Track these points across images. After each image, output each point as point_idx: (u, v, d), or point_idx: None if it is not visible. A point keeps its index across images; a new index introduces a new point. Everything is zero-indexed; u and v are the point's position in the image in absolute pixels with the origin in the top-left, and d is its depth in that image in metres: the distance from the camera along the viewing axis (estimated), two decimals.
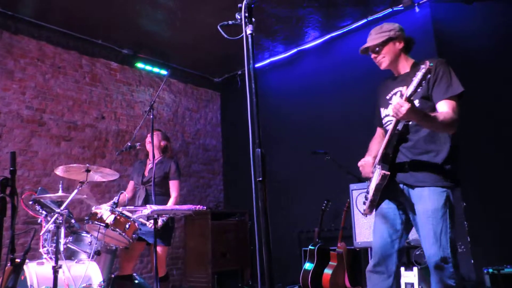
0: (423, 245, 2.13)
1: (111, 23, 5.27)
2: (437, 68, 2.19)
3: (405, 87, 1.95)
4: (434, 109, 2.13)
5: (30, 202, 3.31)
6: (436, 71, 2.18)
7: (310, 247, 4.76)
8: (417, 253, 3.11)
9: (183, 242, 6.21)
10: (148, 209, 2.84)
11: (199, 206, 2.96)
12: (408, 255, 3.24)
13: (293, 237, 5.64)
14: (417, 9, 4.92)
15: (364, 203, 2.34)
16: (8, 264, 2.43)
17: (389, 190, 2.21)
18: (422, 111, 2.00)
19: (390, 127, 2.15)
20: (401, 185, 2.21)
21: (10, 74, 4.87)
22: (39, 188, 3.64)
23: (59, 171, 3.20)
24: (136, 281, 4.08)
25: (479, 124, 4.43)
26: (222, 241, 5.89)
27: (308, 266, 4.67)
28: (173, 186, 3.78)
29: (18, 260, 2.38)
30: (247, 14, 1.63)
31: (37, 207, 3.28)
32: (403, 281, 3.22)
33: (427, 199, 2.10)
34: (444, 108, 2.09)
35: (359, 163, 2.36)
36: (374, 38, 2.33)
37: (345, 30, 5.44)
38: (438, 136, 2.17)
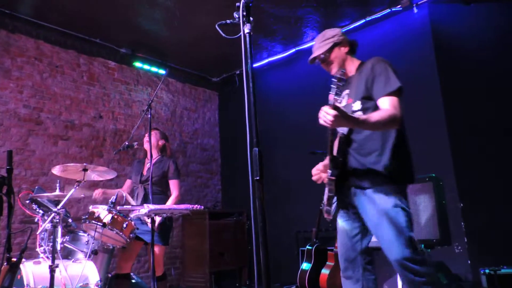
0: (382, 246, 2.10)
1: (109, 22, 5.26)
2: (374, 66, 2.18)
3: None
4: (377, 108, 2.11)
5: (27, 201, 3.30)
6: (374, 69, 2.17)
7: (307, 247, 4.76)
8: None
9: (181, 241, 6.21)
10: (145, 208, 2.84)
11: (196, 205, 2.96)
12: None
13: (290, 237, 5.64)
14: (415, 10, 4.93)
15: (324, 208, 2.34)
16: (5, 263, 2.42)
17: (344, 195, 2.22)
18: (350, 116, 1.94)
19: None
20: (353, 188, 2.19)
21: (7, 73, 4.86)
22: (36, 187, 3.63)
23: (56, 170, 3.19)
24: (134, 281, 4.08)
25: (477, 125, 4.45)
26: (220, 241, 5.89)
27: (305, 266, 4.67)
28: (174, 186, 3.77)
29: (14, 259, 2.37)
30: (245, 13, 1.63)
31: (34, 206, 3.28)
32: (400, 281, 3.22)
33: (377, 200, 2.08)
34: (383, 105, 2.08)
35: (313, 172, 2.33)
36: (319, 46, 2.36)
37: (343, 31, 5.38)
38: (380, 134, 2.14)
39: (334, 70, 2.35)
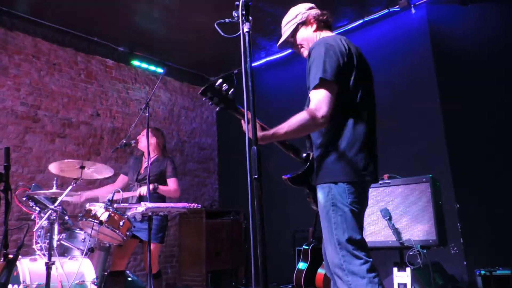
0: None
1: (108, 20, 5.25)
2: (310, 52, 1.93)
3: None
4: None
5: (24, 198, 3.29)
6: (310, 56, 1.93)
7: (304, 246, 4.77)
8: (410, 253, 3.12)
9: (177, 240, 6.21)
10: (142, 207, 2.84)
11: (193, 204, 2.96)
12: (401, 255, 3.26)
13: (287, 236, 5.65)
14: (413, 10, 4.95)
15: None
16: (1, 260, 2.42)
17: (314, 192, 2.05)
18: (260, 135, 1.78)
19: None
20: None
21: (4, 70, 4.84)
22: (33, 184, 3.62)
23: (53, 168, 3.19)
24: (129, 279, 4.08)
25: (474, 125, 4.46)
26: (216, 240, 5.89)
27: (302, 265, 4.68)
28: (172, 183, 3.77)
29: (11, 256, 2.37)
30: (244, 12, 1.63)
31: (31, 203, 3.27)
32: (396, 281, 3.23)
33: (319, 198, 1.94)
34: (310, 103, 1.86)
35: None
36: (284, 31, 2.13)
37: (341, 31, 5.46)
38: (325, 129, 1.93)
39: (306, 53, 2.09)
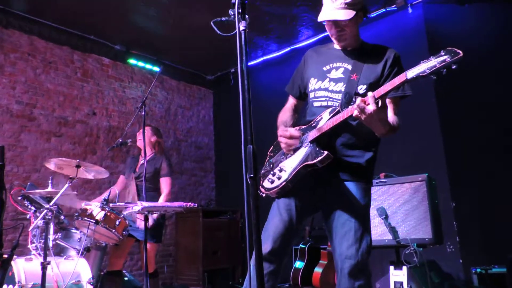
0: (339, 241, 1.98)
1: (104, 18, 5.23)
2: (397, 59, 2.03)
3: (354, 74, 1.88)
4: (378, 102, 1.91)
5: (19, 198, 3.27)
6: (397, 62, 2.02)
7: (300, 245, 4.77)
8: (407, 252, 3.13)
9: (174, 239, 6.19)
10: (138, 206, 2.83)
11: (190, 203, 2.95)
12: (398, 254, 3.26)
13: None
14: (410, 10, 4.95)
15: (272, 181, 2.00)
16: None
17: (317, 183, 2.00)
18: (386, 120, 1.84)
19: (329, 112, 1.94)
20: (334, 180, 2.00)
21: (0, 68, 4.81)
22: (28, 183, 3.60)
23: (51, 164, 3.17)
24: (126, 278, 4.07)
25: (470, 124, 4.47)
26: (213, 239, 5.88)
27: (298, 264, 4.68)
28: (165, 183, 3.76)
29: (5, 255, 2.36)
30: (240, 10, 1.62)
31: (26, 203, 3.25)
32: (392, 280, 3.23)
33: (356, 195, 1.98)
34: (395, 108, 1.98)
35: (286, 133, 1.99)
36: (342, 10, 1.95)
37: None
38: (367, 131, 1.92)
39: (347, 42, 2.08)
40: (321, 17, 1.99)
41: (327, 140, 1.94)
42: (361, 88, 1.97)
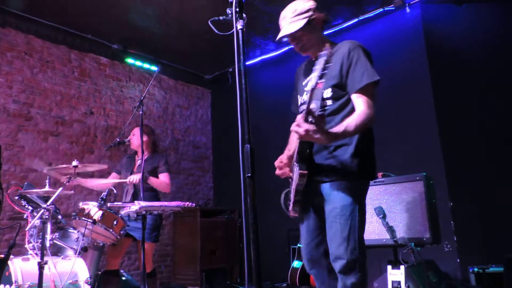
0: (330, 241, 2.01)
1: (101, 17, 5.21)
2: (351, 52, 1.96)
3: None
4: (348, 100, 1.96)
5: (16, 197, 3.26)
6: (350, 55, 1.95)
7: (298, 245, 4.78)
8: (404, 251, 3.13)
9: (172, 239, 6.19)
10: (136, 205, 2.82)
11: (188, 203, 2.95)
12: (395, 253, 3.27)
13: (282, 235, 5.65)
14: (407, 10, 4.96)
15: (288, 204, 2.15)
16: None
17: (311, 191, 2.03)
18: (327, 132, 1.73)
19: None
20: (320, 183, 2.03)
21: None
22: (26, 183, 3.58)
23: (46, 171, 3.17)
24: (124, 278, 4.06)
25: (467, 124, 4.49)
26: (211, 239, 5.88)
27: (296, 264, 4.68)
28: (164, 177, 3.74)
29: (2, 255, 2.35)
30: (238, 9, 1.62)
31: (23, 203, 3.24)
32: (390, 279, 3.24)
33: (338, 195, 1.99)
34: (358, 103, 1.89)
35: (276, 164, 2.14)
36: (292, 22, 2.01)
37: (336, 29, 5.45)
38: None
39: (308, 51, 2.12)
40: (278, 36, 2.08)
41: (308, 152, 1.94)
42: (327, 92, 2.00)
